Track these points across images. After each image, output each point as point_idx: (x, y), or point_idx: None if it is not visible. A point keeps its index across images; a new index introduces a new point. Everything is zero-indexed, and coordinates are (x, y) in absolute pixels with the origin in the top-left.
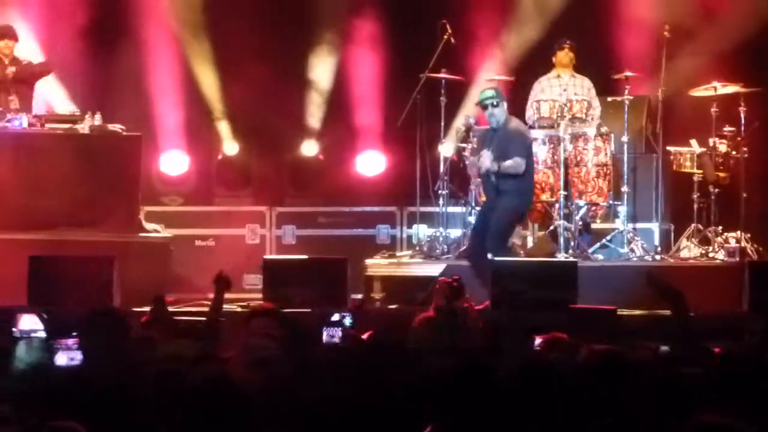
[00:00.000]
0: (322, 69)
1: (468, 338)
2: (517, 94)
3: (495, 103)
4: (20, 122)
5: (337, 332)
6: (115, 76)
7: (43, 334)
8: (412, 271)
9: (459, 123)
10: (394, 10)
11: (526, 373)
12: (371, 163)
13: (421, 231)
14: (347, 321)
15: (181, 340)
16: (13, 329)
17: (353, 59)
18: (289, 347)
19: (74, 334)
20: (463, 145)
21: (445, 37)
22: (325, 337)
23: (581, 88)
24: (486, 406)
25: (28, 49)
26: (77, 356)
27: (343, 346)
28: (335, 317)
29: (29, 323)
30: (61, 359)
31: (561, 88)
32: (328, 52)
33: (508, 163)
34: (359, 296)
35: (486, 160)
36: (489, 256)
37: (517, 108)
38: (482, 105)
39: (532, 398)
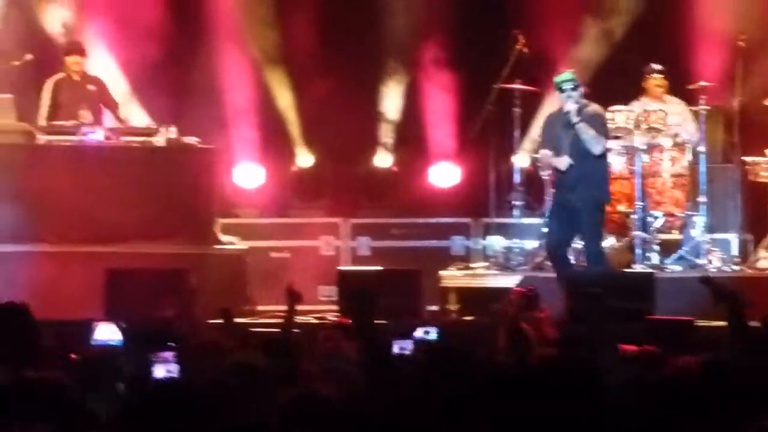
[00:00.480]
0: (395, 81)
1: (542, 350)
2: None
3: (573, 86)
4: (96, 135)
5: (408, 344)
6: (190, 89)
7: (119, 343)
8: (487, 283)
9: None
10: (468, 21)
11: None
12: (445, 174)
13: (496, 242)
14: (432, 335)
15: (254, 352)
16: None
17: (426, 70)
18: (364, 360)
19: (171, 346)
20: (538, 154)
21: (518, 47)
22: (396, 349)
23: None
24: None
25: (103, 63)
26: (175, 369)
27: (415, 358)
28: (419, 332)
29: (106, 333)
30: (159, 372)
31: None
32: (401, 64)
33: (592, 132)
34: (434, 308)
35: (570, 106)
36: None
37: None
38: (560, 88)
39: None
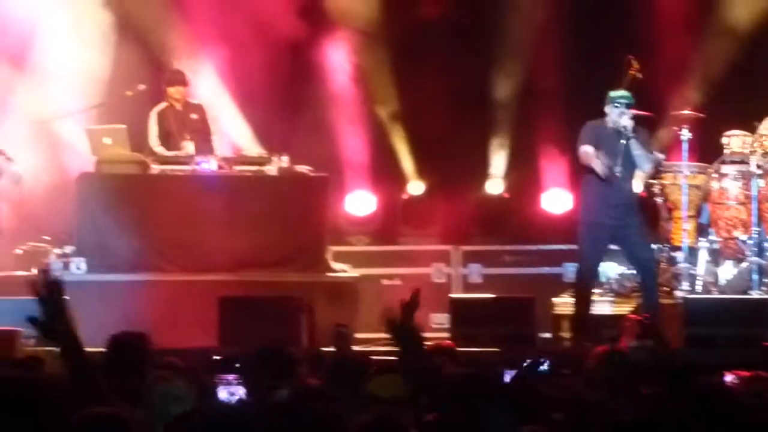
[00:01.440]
0: (506, 107)
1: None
2: (705, 130)
3: (628, 104)
4: (209, 165)
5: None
6: (303, 118)
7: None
8: (600, 310)
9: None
10: (580, 46)
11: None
12: (557, 200)
13: (610, 269)
14: (545, 366)
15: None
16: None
17: (537, 96)
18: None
19: (237, 369)
20: (653, 181)
21: (632, 72)
22: (507, 379)
23: None
24: None
25: (213, 91)
26: (239, 392)
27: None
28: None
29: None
30: (222, 394)
31: None
32: (512, 91)
33: (645, 149)
34: (547, 335)
35: (626, 121)
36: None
37: (706, 143)
38: (616, 103)
39: None
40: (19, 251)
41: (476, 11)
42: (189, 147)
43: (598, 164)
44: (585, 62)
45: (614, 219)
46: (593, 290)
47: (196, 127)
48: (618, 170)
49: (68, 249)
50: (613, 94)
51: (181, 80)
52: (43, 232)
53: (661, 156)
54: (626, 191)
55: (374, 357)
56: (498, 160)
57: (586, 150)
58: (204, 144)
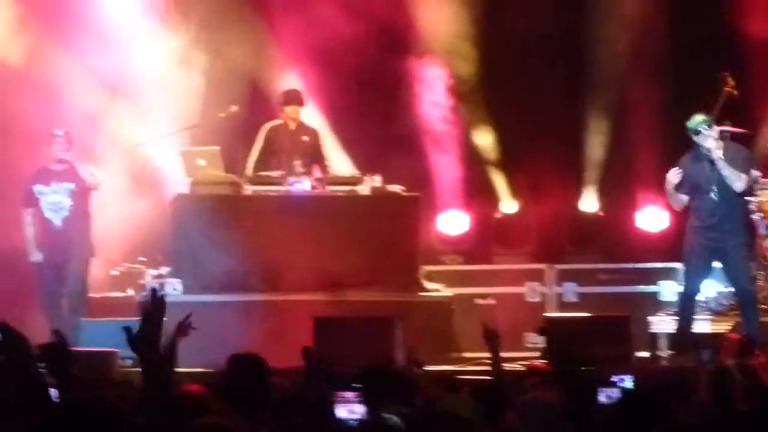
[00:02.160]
0: (600, 123)
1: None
2: None
3: (708, 126)
4: (302, 186)
5: (615, 392)
6: (393, 136)
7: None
8: (698, 328)
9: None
10: (675, 60)
11: None
12: (653, 218)
13: (708, 287)
14: (627, 383)
15: (463, 398)
16: None
17: (631, 112)
18: (569, 407)
19: (355, 387)
20: (750, 198)
21: (727, 89)
22: (602, 398)
23: None
24: None
25: (305, 111)
26: (358, 410)
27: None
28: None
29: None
30: (341, 412)
31: None
32: (606, 106)
33: (733, 169)
34: (644, 354)
35: (710, 143)
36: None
37: None
38: (696, 131)
39: None
40: (115, 272)
41: (571, 25)
42: (297, 166)
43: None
44: (681, 78)
45: (713, 240)
46: (695, 310)
47: (307, 149)
48: (713, 193)
49: (164, 270)
50: (689, 124)
51: (297, 99)
52: (139, 254)
53: (756, 173)
54: (725, 213)
55: (463, 377)
56: (592, 178)
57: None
58: (312, 167)
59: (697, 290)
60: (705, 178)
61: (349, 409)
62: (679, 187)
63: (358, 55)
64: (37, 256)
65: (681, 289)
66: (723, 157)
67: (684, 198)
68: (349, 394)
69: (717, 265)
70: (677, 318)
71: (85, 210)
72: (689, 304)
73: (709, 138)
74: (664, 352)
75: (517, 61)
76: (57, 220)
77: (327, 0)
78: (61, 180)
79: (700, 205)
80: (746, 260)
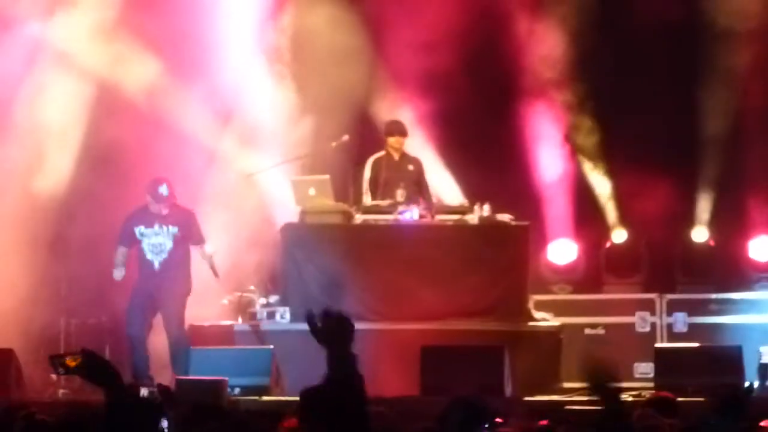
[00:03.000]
0: (711, 152)
1: None
2: None
3: None
4: (411, 214)
5: None
6: (504, 165)
7: None
8: None
9: None
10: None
11: None
12: (764, 247)
13: None
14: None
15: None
16: None
17: (745, 139)
18: None
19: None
20: None
21: None
22: None
23: None
24: None
25: (415, 140)
26: None
27: None
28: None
29: None
30: None
31: None
32: (718, 132)
33: None
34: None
35: None
36: None
37: None
38: None
39: None
40: (225, 301)
41: (681, 55)
42: (400, 195)
43: None
44: None
45: None
46: None
47: (412, 178)
48: None
49: (273, 298)
50: None
51: (400, 130)
52: (250, 282)
53: None
54: None
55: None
56: (704, 206)
57: None
58: (417, 195)
59: None
60: None
61: None
62: None
63: (468, 84)
64: (119, 273)
65: None
66: None
67: None
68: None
69: None
70: None
71: (185, 252)
72: None
73: None
74: None
75: (628, 88)
76: (156, 262)
77: (437, 28)
78: (165, 223)
79: None
80: None
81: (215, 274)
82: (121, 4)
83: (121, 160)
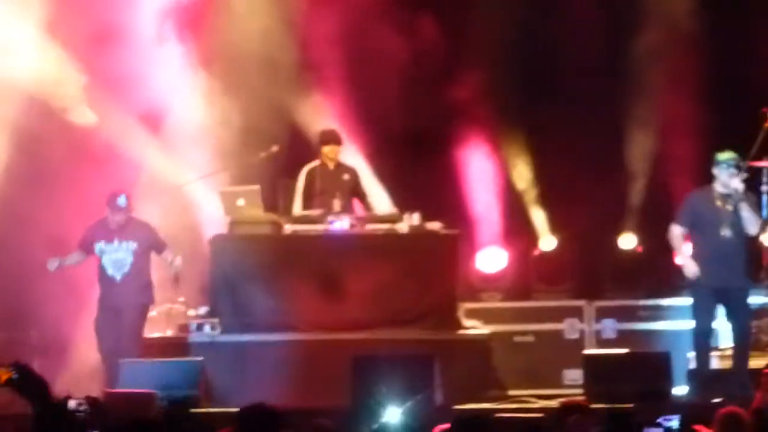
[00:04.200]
0: (638, 159)
1: None
2: None
3: (738, 166)
4: (342, 224)
5: None
6: (433, 174)
7: None
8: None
9: None
10: (713, 98)
11: None
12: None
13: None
14: (674, 424)
15: None
16: None
17: (670, 151)
18: None
19: None
20: None
21: (766, 125)
22: None
23: None
24: None
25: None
26: None
27: None
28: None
29: None
30: None
31: None
32: (645, 142)
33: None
34: (683, 390)
35: (737, 183)
36: None
37: None
38: (728, 165)
39: None
40: (154, 313)
41: (609, 66)
42: (337, 205)
43: (686, 266)
44: (719, 115)
45: (720, 281)
46: (710, 348)
47: (348, 187)
48: (725, 232)
49: (202, 310)
50: (720, 156)
51: (335, 139)
52: (179, 294)
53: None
54: (732, 254)
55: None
56: (632, 214)
57: (673, 234)
58: (352, 205)
59: (708, 330)
60: (718, 216)
61: None
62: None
63: (397, 94)
64: (54, 264)
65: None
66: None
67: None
68: None
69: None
70: (696, 356)
71: (145, 264)
72: (703, 344)
73: (736, 178)
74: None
75: (558, 99)
76: (118, 277)
77: (365, 39)
78: (124, 238)
79: (708, 243)
80: (748, 303)
81: (176, 280)
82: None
83: (46, 174)
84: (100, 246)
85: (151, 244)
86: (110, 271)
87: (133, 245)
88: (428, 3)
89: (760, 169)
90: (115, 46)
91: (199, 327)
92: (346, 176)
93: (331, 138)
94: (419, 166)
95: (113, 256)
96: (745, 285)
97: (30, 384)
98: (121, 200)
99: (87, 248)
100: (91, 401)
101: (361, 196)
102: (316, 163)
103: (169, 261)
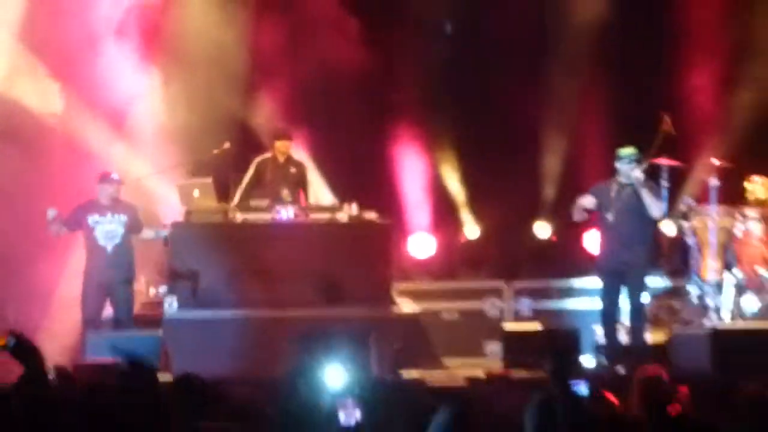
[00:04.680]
0: (552, 162)
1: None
2: (732, 178)
3: (638, 159)
4: (286, 213)
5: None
6: (371, 166)
7: None
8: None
9: (681, 204)
10: (619, 101)
11: None
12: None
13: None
14: (582, 389)
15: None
16: None
17: (582, 143)
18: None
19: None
20: (685, 223)
21: (665, 128)
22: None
23: None
24: None
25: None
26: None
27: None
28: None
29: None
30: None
31: None
32: (558, 137)
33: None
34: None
35: (638, 173)
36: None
37: (732, 189)
38: (628, 159)
39: None
40: None
41: (522, 59)
42: (285, 195)
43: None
44: (623, 117)
45: (619, 262)
46: (615, 323)
47: (293, 180)
48: (625, 219)
49: (162, 289)
50: (622, 152)
51: (287, 135)
52: (141, 275)
53: (689, 201)
54: (632, 238)
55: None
56: (546, 203)
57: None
58: (298, 196)
59: (613, 307)
60: (618, 204)
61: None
62: (585, 209)
63: (339, 97)
64: (52, 213)
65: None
66: (633, 192)
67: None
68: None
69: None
70: (603, 331)
71: (131, 241)
72: (610, 320)
73: (636, 169)
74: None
75: (483, 104)
76: (109, 247)
77: (310, 45)
78: (117, 212)
79: (610, 228)
80: (644, 283)
81: (166, 244)
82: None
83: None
84: (93, 218)
85: (135, 222)
86: (102, 242)
87: (123, 218)
88: (364, 9)
89: (658, 167)
90: (78, 46)
91: (159, 305)
92: (293, 169)
93: (283, 134)
94: (357, 161)
95: (106, 228)
96: (643, 267)
97: (25, 351)
98: (115, 175)
99: (74, 224)
100: (59, 370)
101: (306, 188)
102: (267, 155)
103: (153, 234)
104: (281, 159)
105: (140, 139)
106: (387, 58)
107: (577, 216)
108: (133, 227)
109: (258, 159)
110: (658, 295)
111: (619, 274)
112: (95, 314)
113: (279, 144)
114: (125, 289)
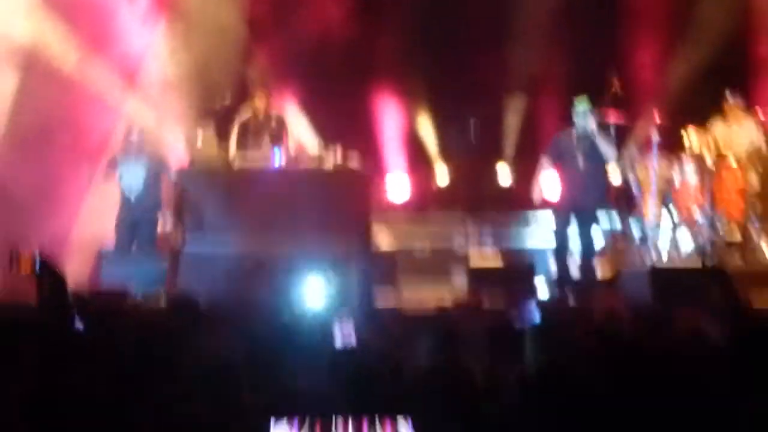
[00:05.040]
0: (514, 116)
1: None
2: (672, 131)
3: (591, 109)
4: (279, 161)
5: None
6: (355, 116)
7: None
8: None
9: (626, 155)
10: (576, 57)
11: None
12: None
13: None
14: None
15: None
16: None
17: (539, 101)
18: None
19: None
20: (629, 171)
21: (613, 90)
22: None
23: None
24: None
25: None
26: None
27: None
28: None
29: None
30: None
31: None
32: (522, 94)
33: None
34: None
35: (593, 123)
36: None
37: (672, 141)
38: (583, 109)
39: None
40: None
41: (488, 29)
42: (266, 148)
43: (534, 191)
44: (578, 77)
45: (577, 203)
46: (567, 259)
47: (274, 133)
48: (580, 165)
49: (169, 225)
50: (578, 104)
51: (264, 90)
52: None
53: (635, 152)
54: (588, 181)
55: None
56: (509, 146)
57: (540, 163)
58: (281, 147)
59: (566, 241)
60: (576, 151)
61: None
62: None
63: (326, 52)
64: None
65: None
66: (592, 142)
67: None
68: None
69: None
70: (556, 267)
71: (157, 184)
72: (562, 252)
73: (591, 119)
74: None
75: (454, 58)
76: (135, 193)
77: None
78: (141, 154)
79: (569, 173)
80: (596, 220)
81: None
82: None
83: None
84: (121, 161)
85: (158, 167)
86: (127, 182)
87: (146, 161)
88: None
89: (607, 123)
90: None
91: (168, 240)
92: (273, 125)
93: (262, 86)
94: (343, 113)
95: (131, 171)
96: (596, 207)
97: (51, 275)
98: (137, 126)
99: (112, 170)
100: (78, 297)
101: (286, 142)
102: (246, 116)
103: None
104: (260, 116)
105: (150, 92)
106: (372, 26)
107: (537, 197)
108: (159, 172)
109: (237, 122)
110: (607, 235)
111: (575, 214)
112: (124, 245)
113: (257, 100)
114: (149, 226)
